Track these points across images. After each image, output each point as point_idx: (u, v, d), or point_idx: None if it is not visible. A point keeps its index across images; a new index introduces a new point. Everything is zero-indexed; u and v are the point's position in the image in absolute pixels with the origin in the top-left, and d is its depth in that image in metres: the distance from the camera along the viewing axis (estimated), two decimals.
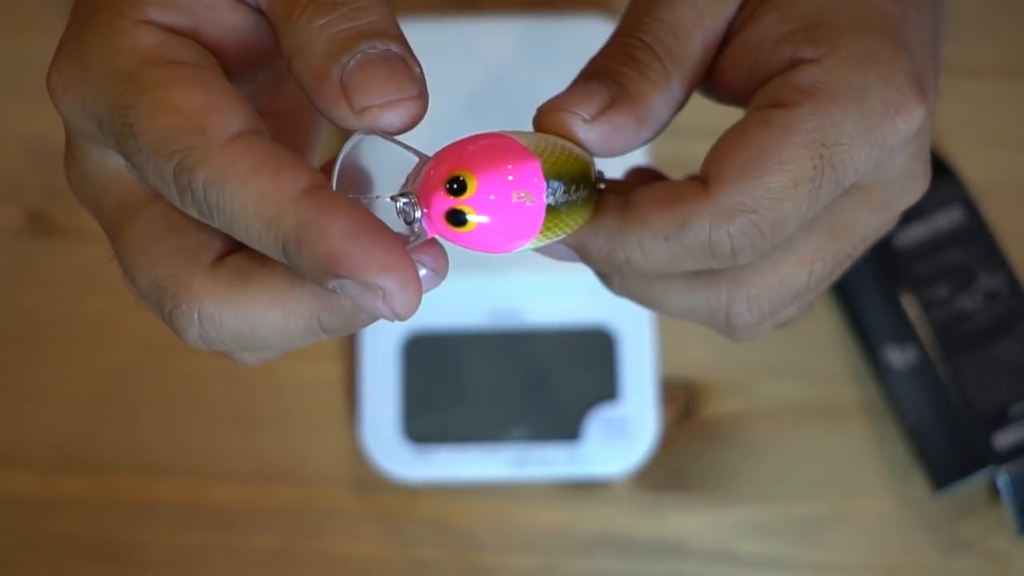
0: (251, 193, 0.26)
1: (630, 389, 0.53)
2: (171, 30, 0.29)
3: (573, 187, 0.29)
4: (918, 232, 0.54)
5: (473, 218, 0.27)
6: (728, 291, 0.32)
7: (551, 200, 0.28)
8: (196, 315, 0.29)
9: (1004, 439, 0.51)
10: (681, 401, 0.55)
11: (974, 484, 0.52)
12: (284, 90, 0.35)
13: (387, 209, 0.28)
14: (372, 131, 0.28)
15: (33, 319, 0.56)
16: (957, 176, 0.55)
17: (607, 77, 0.31)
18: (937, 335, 0.53)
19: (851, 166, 0.29)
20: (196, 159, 0.27)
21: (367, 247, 0.26)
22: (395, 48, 0.28)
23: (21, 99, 0.59)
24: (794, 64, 0.30)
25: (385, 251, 0.26)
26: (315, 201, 0.26)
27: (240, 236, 0.27)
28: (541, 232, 0.29)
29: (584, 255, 0.32)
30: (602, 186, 0.32)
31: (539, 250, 0.32)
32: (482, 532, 0.53)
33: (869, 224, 0.32)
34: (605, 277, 0.34)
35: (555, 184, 0.28)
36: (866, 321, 0.54)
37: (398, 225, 0.28)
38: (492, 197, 0.27)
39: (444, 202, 0.27)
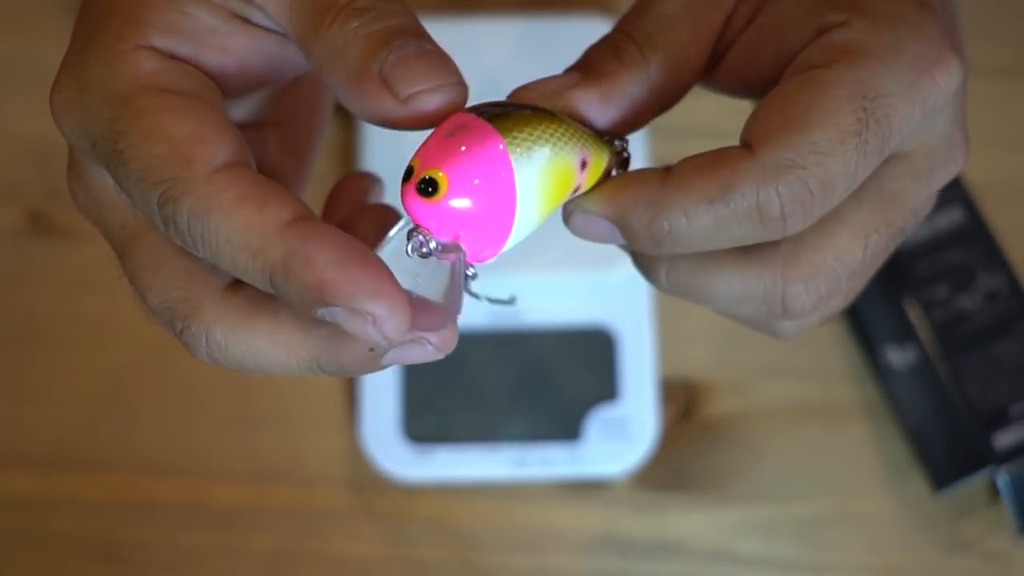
0: (236, 225, 0.27)
1: (630, 389, 0.53)
2: (172, 56, 0.29)
3: (510, 107, 0.29)
4: (918, 232, 0.54)
5: (439, 175, 0.27)
6: (783, 271, 0.31)
7: (488, 114, 0.28)
8: (204, 339, 0.29)
9: (1004, 439, 0.51)
10: (681, 401, 0.55)
11: (974, 484, 0.52)
12: (286, 100, 0.35)
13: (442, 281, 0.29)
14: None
15: (33, 319, 0.56)
16: (957, 176, 0.55)
17: (584, 64, 0.32)
18: (937, 335, 0.53)
19: (895, 122, 0.29)
20: (181, 190, 0.27)
21: (355, 274, 0.26)
22: (428, 46, 0.29)
23: (21, 99, 0.59)
24: (822, 31, 0.30)
25: (373, 277, 0.26)
26: (300, 231, 0.26)
27: (227, 268, 0.27)
28: (513, 143, 0.28)
29: (626, 228, 0.30)
30: (618, 148, 0.31)
31: (577, 230, 0.31)
32: (482, 532, 0.53)
33: (917, 194, 0.32)
34: (650, 268, 0.33)
35: (484, 108, 0.28)
36: (866, 321, 0.54)
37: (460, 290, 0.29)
38: (435, 147, 0.28)
39: (410, 190, 0.28)
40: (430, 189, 0.27)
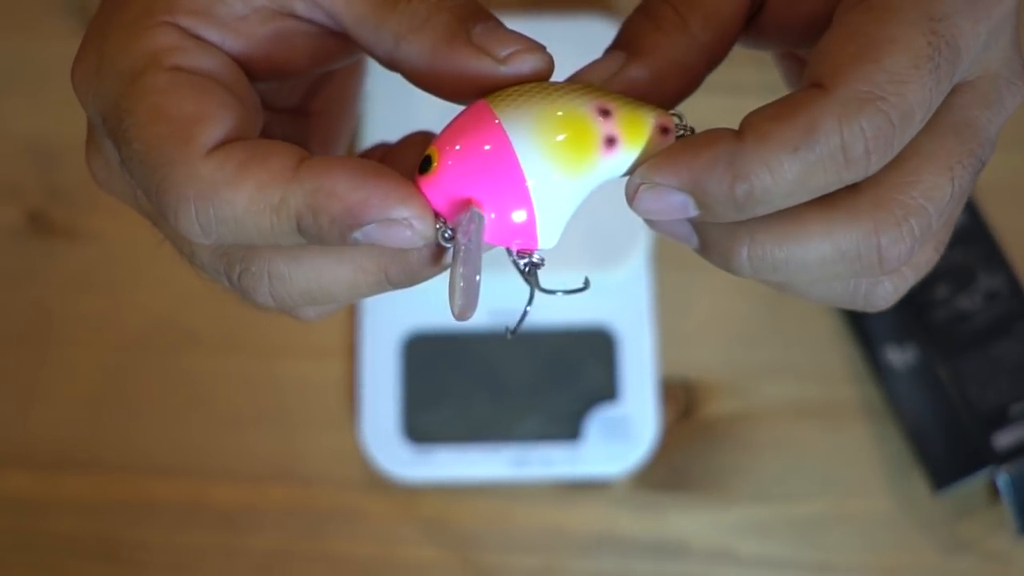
0: (249, 190, 0.27)
1: (630, 389, 0.53)
2: (196, 37, 0.29)
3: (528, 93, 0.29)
4: None
5: (432, 150, 0.28)
6: (874, 218, 0.29)
7: (489, 99, 0.28)
8: (266, 274, 0.29)
9: (1004, 439, 0.51)
10: (681, 401, 0.55)
11: (974, 484, 0.52)
12: (321, 91, 0.36)
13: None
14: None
15: (33, 319, 0.56)
16: None
17: (624, 41, 0.31)
18: (937, 335, 0.53)
19: (963, 42, 0.28)
20: (182, 175, 0.27)
21: (378, 187, 0.27)
22: (501, 22, 0.29)
23: (21, 99, 0.59)
24: None
25: (395, 186, 0.27)
26: (312, 168, 0.27)
27: (249, 237, 0.28)
28: (496, 99, 0.28)
29: (703, 196, 0.28)
30: (677, 125, 0.29)
31: (646, 206, 0.28)
32: (482, 532, 0.53)
33: (989, 123, 0.30)
34: (729, 251, 0.30)
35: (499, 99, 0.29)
36: (866, 321, 0.54)
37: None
38: (439, 135, 0.29)
39: (416, 176, 0.28)
40: (426, 165, 0.28)
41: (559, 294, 0.30)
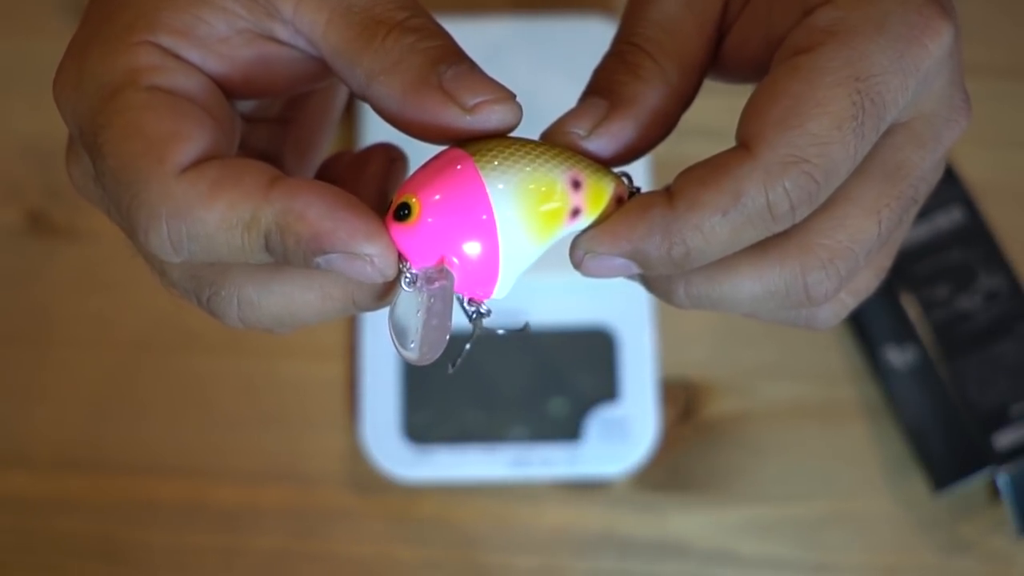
0: (221, 208, 0.27)
1: (630, 389, 0.53)
2: (176, 57, 0.29)
3: (506, 149, 0.29)
4: (918, 232, 0.54)
5: (412, 199, 0.28)
6: (801, 261, 0.31)
7: (473, 154, 0.29)
8: (236, 299, 0.30)
9: (1004, 439, 0.51)
10: (681, 401, 0.55)
11: (974, 484, 0.52)
12: (301, 103, 0.36)
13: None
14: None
15: (33, 319, 0.56)
16: (957, 176, 0.55)
17: (604, 88, 0.31)
18: (937, 335, 0.53)
19: (889, 97, 0.29)
20: (155, 193, 0.27)
21: (347, 220, 0.27)
22: (477, 67, 0.29)
23: (21, 99, 0.59)
24: (807, 12, 0.29)
25: (364, 221, 0.27)
26: (285, 189, 0.27)
27: (220, 255, 0.28)
28: (482, 159, 0.28)
29: (643, 261, 0.30)
30: (630, 188, 0.31)
31: (591, 273, 0.31)
32: (482, 532, 0.53)
33: (923, 162, 0.31)
34: (667, 290, 0.33)
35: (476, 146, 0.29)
36: (866, 321, 0.54)
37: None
38: (412, 177, 0.29)
39: (389, 219, 0.28)
40: (404, 212, 0.28)
41: (500, 332, 0.32)
